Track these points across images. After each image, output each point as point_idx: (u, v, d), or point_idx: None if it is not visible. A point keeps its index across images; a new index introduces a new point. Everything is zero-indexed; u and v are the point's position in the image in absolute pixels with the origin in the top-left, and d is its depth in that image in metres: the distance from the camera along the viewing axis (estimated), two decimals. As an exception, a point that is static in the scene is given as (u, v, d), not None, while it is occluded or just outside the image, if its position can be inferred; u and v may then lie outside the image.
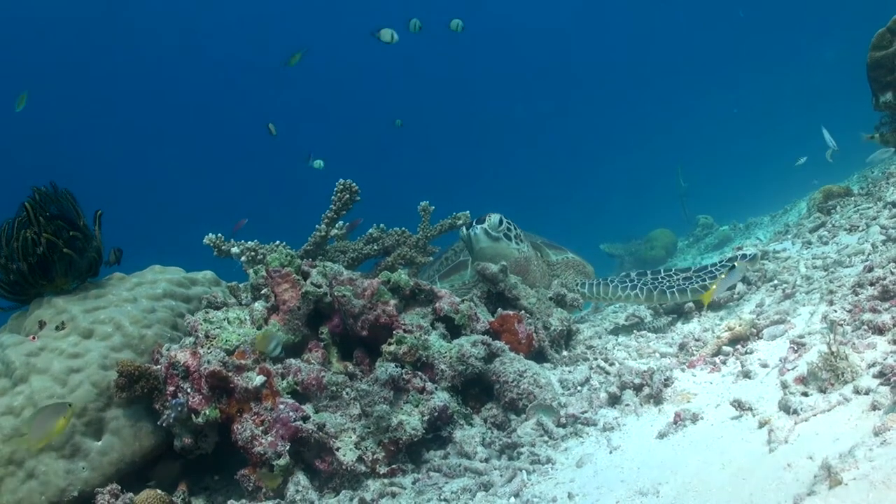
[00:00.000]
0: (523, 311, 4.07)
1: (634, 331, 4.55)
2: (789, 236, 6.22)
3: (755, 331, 3.56)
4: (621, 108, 43.16)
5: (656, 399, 3.18)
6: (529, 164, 43.91)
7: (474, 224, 4.87)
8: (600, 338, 4.52)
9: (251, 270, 4.13)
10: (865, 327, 2.89)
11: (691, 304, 4.63)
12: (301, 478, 2.92)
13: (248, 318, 3.63)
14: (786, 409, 2.46)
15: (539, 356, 3.95)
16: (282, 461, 2.94)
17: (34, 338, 3.45)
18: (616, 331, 4.75)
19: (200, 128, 41.34)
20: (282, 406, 3.05)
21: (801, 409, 2.39)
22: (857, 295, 3.31)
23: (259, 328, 3.52)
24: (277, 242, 5.15)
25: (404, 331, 3.50)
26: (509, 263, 4.63)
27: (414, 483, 2.94)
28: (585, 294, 5.08)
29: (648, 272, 5.04)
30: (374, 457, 3.06)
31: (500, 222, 4.87)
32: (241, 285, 4.18)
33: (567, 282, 5.28)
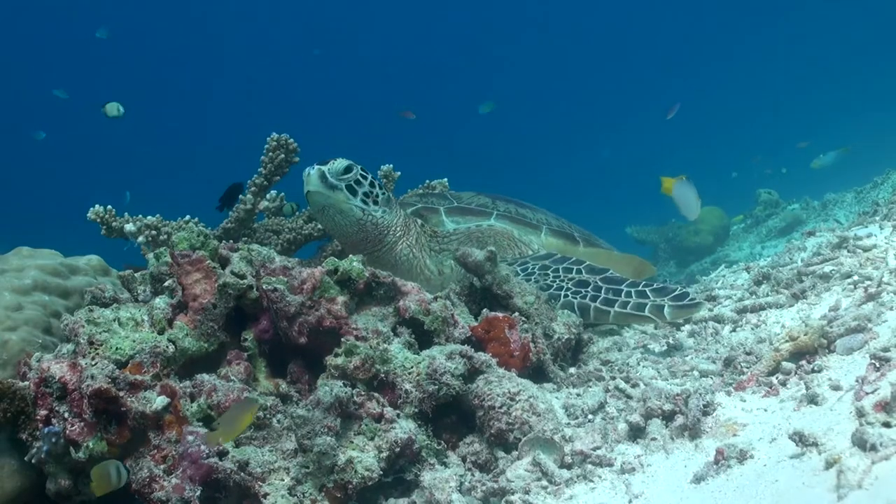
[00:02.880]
0: (517, 314, 4.09)
1: (665, 341, 4.56)
2: (877, 217, 6.27)
3: (825, 342, 3.59)
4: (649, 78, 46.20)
5: (692, 431, 3.21)
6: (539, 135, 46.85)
7: (315, 164, 4.93)
8: (620, 350, 4.54)
9: (151, 255, 4.13)
10: (970, 339, 2.94)
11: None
12: (215, 534, 2.94)
13: (146, 318, 3.62)
14: (861, 444, 2.49)
15: (538, 373, 3.98)
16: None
17: None
18: (642, 341, 4.78)
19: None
20: (190, 437, 3.06)
21: (881, 445, 2.42)
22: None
23: (161, 332, 3.52)
24: (187, 218, 5.13)
25: (356, 337, 3.51)
26: (346, 228, 4.89)
27: (367, 542, 2.97)
28: None
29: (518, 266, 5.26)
30: (315, 506, 3.07)
31: (349, 170, 4.97)
32: (137, 275, 4.18)
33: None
